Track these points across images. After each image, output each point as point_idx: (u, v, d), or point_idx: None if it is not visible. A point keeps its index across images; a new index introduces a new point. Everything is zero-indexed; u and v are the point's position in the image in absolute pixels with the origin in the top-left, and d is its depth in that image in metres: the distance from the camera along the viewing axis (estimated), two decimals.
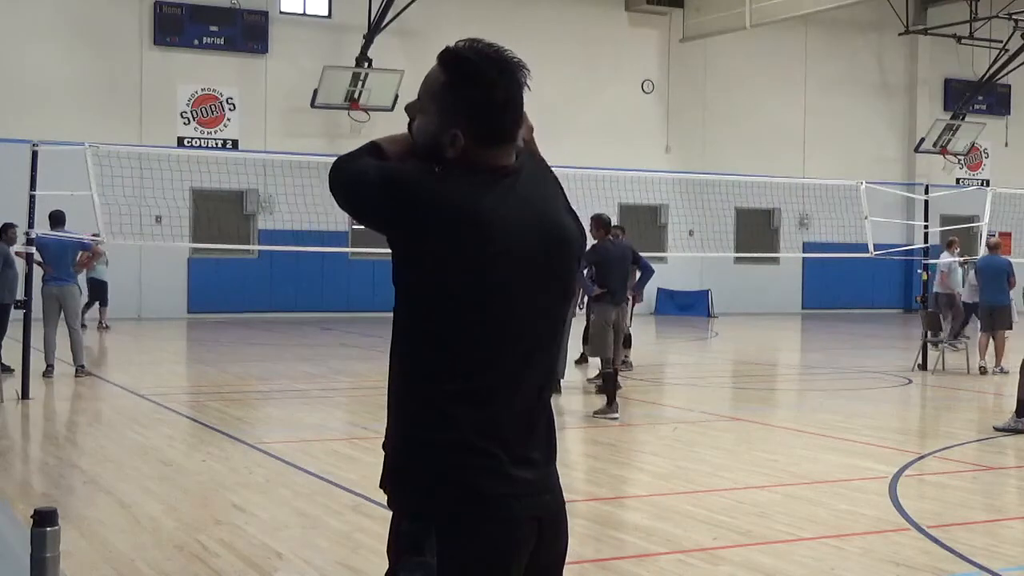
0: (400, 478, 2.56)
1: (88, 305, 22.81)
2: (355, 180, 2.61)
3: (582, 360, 15.57)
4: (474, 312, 2.52)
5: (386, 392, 2.69)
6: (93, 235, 15.64)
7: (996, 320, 16.20)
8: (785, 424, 11.87)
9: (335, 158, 2.69)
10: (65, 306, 14.47)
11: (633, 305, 14.08)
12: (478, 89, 2.55)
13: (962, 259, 19.38)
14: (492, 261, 2.52)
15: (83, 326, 22.41)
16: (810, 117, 32.88)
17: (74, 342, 14.53)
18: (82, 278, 20.55)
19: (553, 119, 25.94)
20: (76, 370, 14.45)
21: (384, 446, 2.64)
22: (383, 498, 2.67)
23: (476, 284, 2.52)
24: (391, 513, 2.62)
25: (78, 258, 14.91)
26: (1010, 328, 16.33)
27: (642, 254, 13.53)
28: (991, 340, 16.46)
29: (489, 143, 2.60)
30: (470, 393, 2.52)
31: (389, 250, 2.59)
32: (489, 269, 2.52)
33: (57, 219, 14.49)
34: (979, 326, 16.97)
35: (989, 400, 14.10)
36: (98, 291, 22.89)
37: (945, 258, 18.94)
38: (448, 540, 2.47)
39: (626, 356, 15.24)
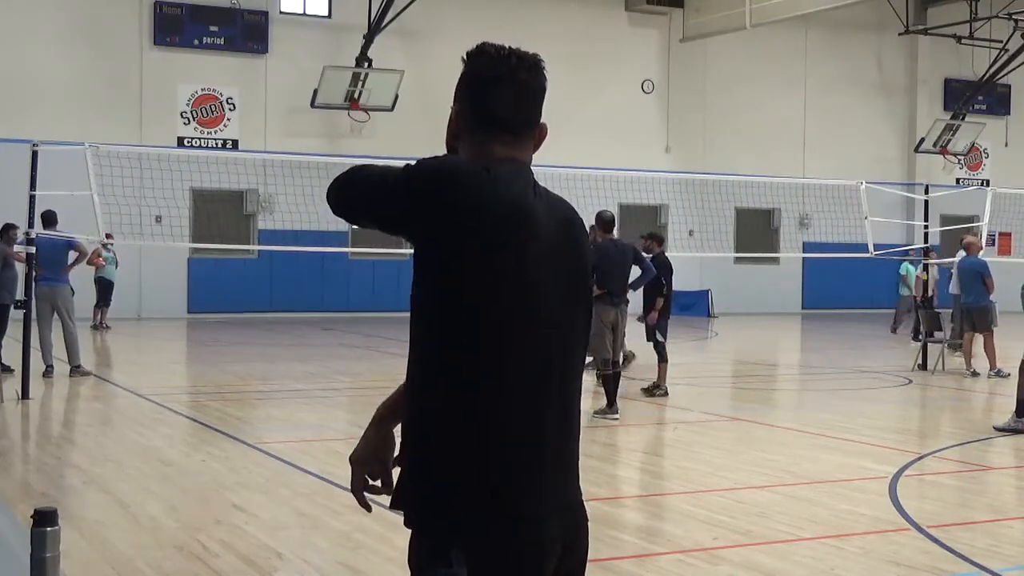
0: (424, 497, 2.48)
1: (97, 305, 22.84)
2: (381, 173, 2.53)
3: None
4: (509, 314, 2.45)
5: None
6: (107, 235, 15.67)
7: (976, 322, 16.09)
8: (785, 424, 11.87)
9: (341, 161, 2.66)
10: (58, 306, 14.44)
11: (658, 315, 13.59)
12: (474, 62, 2.60)
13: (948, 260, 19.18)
14: (531, 256, 2.48)
15: (99, 326, 22.52)
16: (810, 117, 32.87)
17: (69, 342, 14.49)
18: (87, 277, 20.67)
19: (553, 119, 25.68)
20: (71, 370, 14.42)
21: (398, 461, 2.57)
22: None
23: (514, 281, 2.45)
24: (410, 529, 2.53)
25: (71, 259, 14.84)
26: (989, 330, 16.08)
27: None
28: (971, 341, 16.33)
29: (481, 123, 2.58)
30: (500, 406, 2.45)
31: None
32: (528, 264, 2.47)
33: (48, 219, 14.36)
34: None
35: (989, 400, 14.10)
36: (106, 291, 22.93)
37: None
38: (476, 557, 2.42)
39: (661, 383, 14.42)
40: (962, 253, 18.55)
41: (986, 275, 15.90)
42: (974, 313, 16.04)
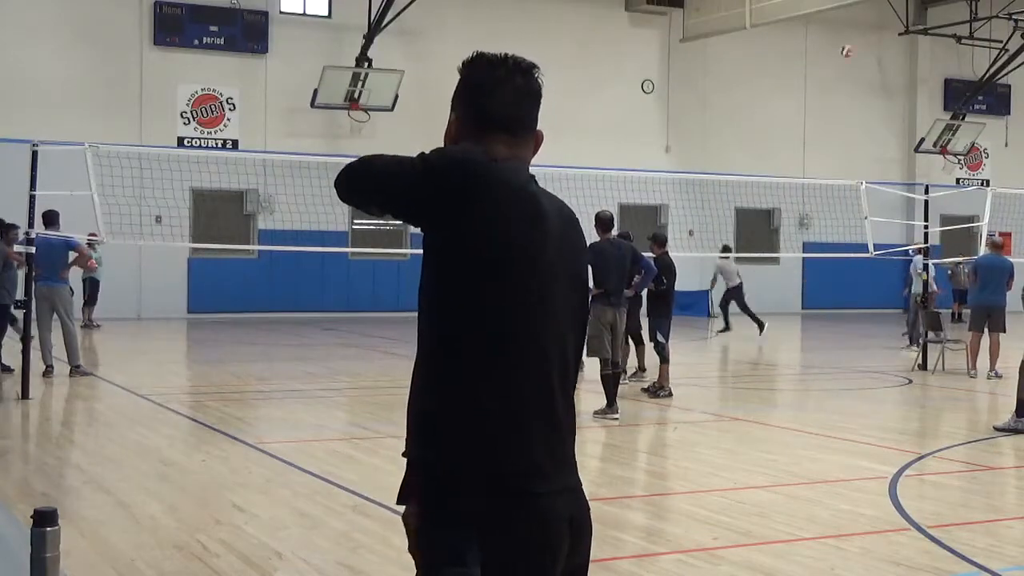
0: (434, 484, 2.50)
1: (85, 304, 22.88)
2: (395, 162, 2.56)
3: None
4: (514, 298, 2.51)
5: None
6: (91, 235, 15.57)
7: (993, 321, 16.07)
8: (785, 424, 11.87)
9: (341, 161, 2.68)
10: (57, 306, 14.43)
11: (660, 316, 13.58)
12: (470, 69, 2.70)
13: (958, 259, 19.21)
14: (537, 242, 2.55)
15: (89, 324, 22.53)
16: (810, 117, 32.87)
17: (68, 343, 14.47)
18: (76, 277, 20.63)
19: (553, 119, 25.80)
20: (71, 370, 14.40)
21: (405, 455, 2.58)
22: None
23: (520, 266, 2.52)
24: (417, 518, 2.53)
25: (70, 259, 14.81)
26: (1004, 331, 16.12)
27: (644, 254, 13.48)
28: (980, 341, 16.32)
29: (481, 125, 2.65)
30: (506, 389, 2.50)
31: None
32: (533, 249, 2.54)
33: (50, 219, 14.34)
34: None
35: (989, 400, 14.10)
36: (93, 290, 22.97)
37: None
38: (491, 542, 2.43)
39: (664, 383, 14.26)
40: (984, 250, 18.55)
41: (1012, 275, 16.03)
42: (994, 312, 16.02)
